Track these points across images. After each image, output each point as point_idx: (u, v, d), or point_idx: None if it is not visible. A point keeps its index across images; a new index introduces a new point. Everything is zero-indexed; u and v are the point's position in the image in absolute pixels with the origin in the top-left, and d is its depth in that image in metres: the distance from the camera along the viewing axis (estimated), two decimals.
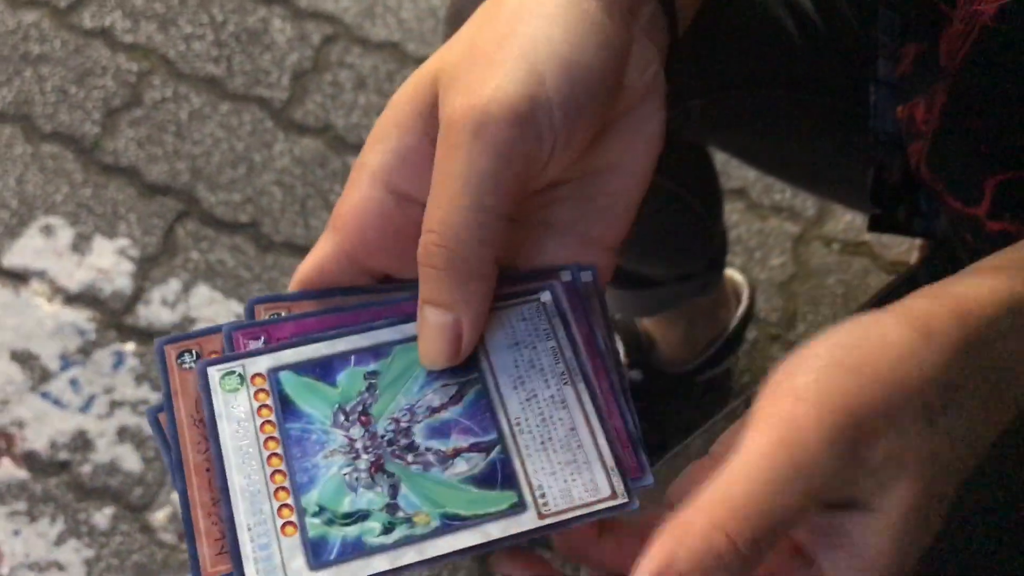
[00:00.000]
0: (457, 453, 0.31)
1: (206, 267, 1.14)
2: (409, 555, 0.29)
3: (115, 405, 1.07)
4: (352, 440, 0.31)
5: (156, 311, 1.11)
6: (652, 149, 0.34)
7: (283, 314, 0.32)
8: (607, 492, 0.30)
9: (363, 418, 0.31)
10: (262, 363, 0.31)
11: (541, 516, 0.30)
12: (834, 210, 1.18)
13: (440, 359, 0.31)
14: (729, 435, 0.31)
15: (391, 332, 0.32)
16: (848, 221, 1.17)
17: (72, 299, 1.12)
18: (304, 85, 1.25)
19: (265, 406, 0.31)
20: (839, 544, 0.28)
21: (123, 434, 1.05)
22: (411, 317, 0.32)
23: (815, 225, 1.18)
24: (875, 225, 0.60)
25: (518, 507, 0.30)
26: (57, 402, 1.07)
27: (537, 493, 0.30)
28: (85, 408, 1.06)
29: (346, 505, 0.30)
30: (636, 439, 0.32)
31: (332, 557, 0.29)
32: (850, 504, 0.27)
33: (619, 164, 0.34)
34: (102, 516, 1.02)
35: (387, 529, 0.29)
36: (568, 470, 0.30)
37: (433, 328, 0.31)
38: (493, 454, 0.31)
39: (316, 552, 0.29)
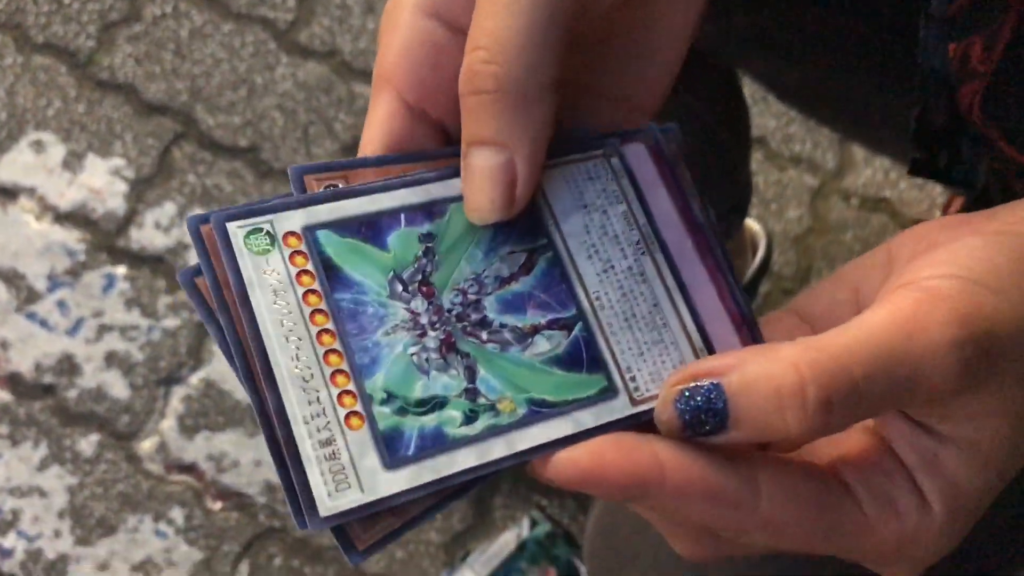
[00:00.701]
0: (536, 330, 0.26)
1: (202, 191, 1.10)
2: (498, 448, 0.25)
3: (104, 329, 1.03)
4: (415, 314, 0.26)
5: (149, 234, 1.07)
6: (694, 5, 0.30)
7: (340, 186, 0.27)
8: None
9: (424, 288, 0.26)
10: (295, 219, 0.26)
11: (634, 402, 0.26)
12: (855, 163, 1.14)
13: (491, 210, 0.26)
14: (814, 297, 0.28)
15: (445, 187, 0.27)
16: (869, 176, 1.14)
17: (62, 218, 1.08)
18: (311, 7, 1.20)
19: (305, 272, 0.25)
20: (936, 472, 0.25)
21: (111, 359, 1.02)
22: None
23: (835, 178, 1.14)
24: (916, 169, 0.56)
25: (608, 392, 0.26)
26: (44, 323, 1.03)
27: (627, 376, 0.26)
28: (73, 331, 1.03)
29: (418, 390, 0.25)
30: (752, 320, 0.28)
31: (410, 452, 0.24)
32: (946, 435, 0.25)
33: (661, 19, 0.30)
34: (87, 443, 0.99)
35: (469, 418, 0.25)
36: (656, 350, 0.27)
37: (481, 171, 0.26)
38: (575, 332, 0.27)
39: (391, 447, 0.24)
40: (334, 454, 0.24)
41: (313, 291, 0.25)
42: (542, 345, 0.26)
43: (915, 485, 0.25)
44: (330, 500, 0.23)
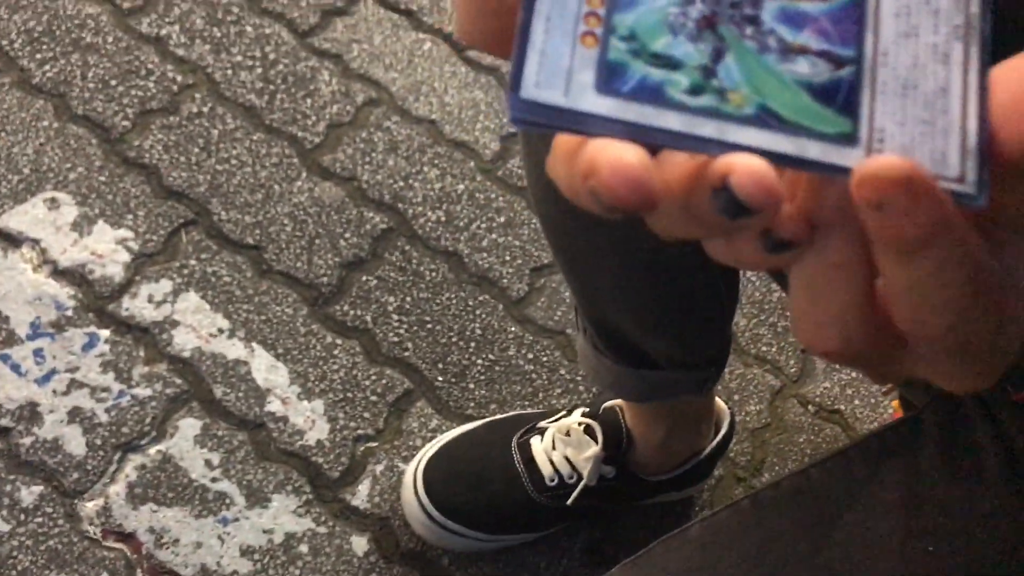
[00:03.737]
0: (803, 51, 0.25)
1: (201, 276, 1.13)
2: (707, 128, 0.24)
3: (75, 385, 1.03)
4: None
5: (140, 306, 1.09)
6: None
7: None
8: (956, 172, 0.25)
9: None
10: None
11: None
12: (815, 374, 1.21)
13: None
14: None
15: None
16: (827, 388, 1.20)
17: (59, 273, 1.10)
18: (338, 135, 1.28)
19: None
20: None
21: (75, 415, 1.01)
22: None
23: (795, 383, 1.20)
24: None
25: (848, 138, 0.25)
26: (15, 367, 1.03)
27: (876, 136, 0.25)
28: (43, 381, 1.03)
29: (661, 45, 0.25)
30: (986, 151, 0.26)
31: (626, 89, 0.24)
32: None
33: None
34: (29, 493, 0.97)
35: (694, 90, 0.24)
36: (920, 128, 0.25)
37: None
38: (844, 72, 0.25)
39: (610, 76, 0.24)
40: (558, 56, 0.24)
41: None
42: (803, 66, 0.25)
43: None
44: (535, 88, 0.24)
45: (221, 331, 1.10)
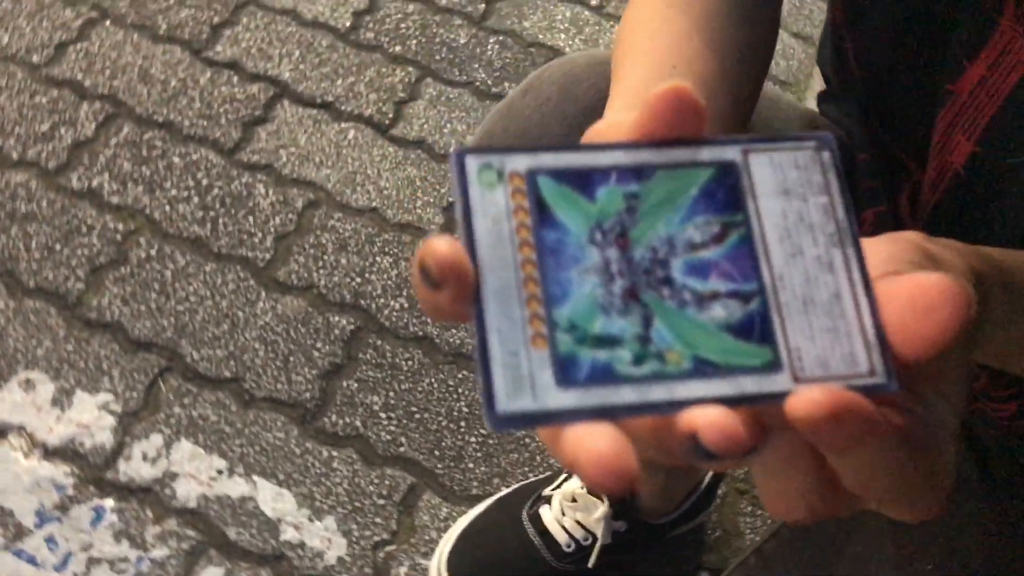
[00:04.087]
0: (715, 297, 0.29)
1: (188, 422, 1.15)
2: (657, 392, 0.27)
3: (92, 562, 1.05)
4: (608, 261, 0.29)
5: (137, 466, 1.11)
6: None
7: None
8: (865, 368, 0.28)
9: (620, 240, 0.29)
10: (522, 162, 0.29)
11: (796, 379, 0.28)
12: None
13: None
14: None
15: (656, 154, 0.30)
16: None
17: (51, 454, 1.12)
18: (287, 246, 1.30)
19: (522, 208, 0.29)
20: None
21: None
22: (679, 143, 0.30)
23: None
24: None
25: (773, 366, 0.28)
26: (31, 560, 1.05)
27: (794, 355, 0.28)
28: (61, 566, 1.05)
29: (598, 327, 0.28)
30: (885, 340, 0.29)
31: (582, 377, 0.27)
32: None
33: None
34: None
35: (638, 360, 0.28)
36: (827, 337, 0.29)
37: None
38: (752, 305, 0.29)
39: (565, 370, 0.27)
40: (517, 365, 0.27)
41: (525, 225, 0.29)
42: (718, 311, 0.28)
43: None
44: (507, 400, 0.27)
45: (220, 472, 1.12)
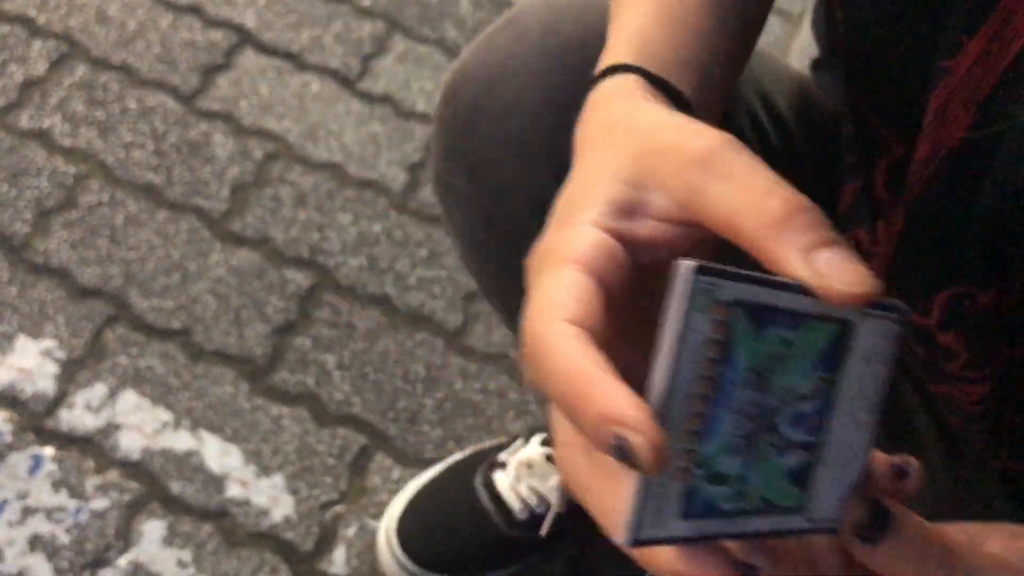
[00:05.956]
0: (794, 446, 0.31)
1: (134, 373, 1.11)
2: (732, 527, 0.31)
3: (28, 512, 1.02)
4: (751, 403, 0.30)
5: (79, 415, 1.08)
6: None
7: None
8: (837, 516, 0.33)
9: (763, 384, 0.30)
10: (731, 293, 0.29)
11: (808, 520, 0.32)
12: None
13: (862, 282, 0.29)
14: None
15: (811, 303, 0.30)
16: None
17: None
18: (244, 198, 1.26)
19: (715, 341, 0.29)
20: None
21: (35, 543, 1.00)
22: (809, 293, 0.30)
23: None
24: None
25: (800, 508, 0.32)
26: None
27: (813, 500, 0.32)
28: None
29: (723, 467, 0.30)
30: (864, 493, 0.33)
31: (697, 511, 0.30)
32: None
33: None
34: None
35: (732, 498, 0.30)
36: (834, 486, 0.32)
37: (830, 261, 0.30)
38: (808, 455, 0.32)
39: (691, 502, 0.30)
40: (661, 495, 0.29)
41: (712, 359, 0.29)
42: (791, 459, 0.31)
43: None
44: (646, 528, 0.29)
45: (165, 425, 1.09)
